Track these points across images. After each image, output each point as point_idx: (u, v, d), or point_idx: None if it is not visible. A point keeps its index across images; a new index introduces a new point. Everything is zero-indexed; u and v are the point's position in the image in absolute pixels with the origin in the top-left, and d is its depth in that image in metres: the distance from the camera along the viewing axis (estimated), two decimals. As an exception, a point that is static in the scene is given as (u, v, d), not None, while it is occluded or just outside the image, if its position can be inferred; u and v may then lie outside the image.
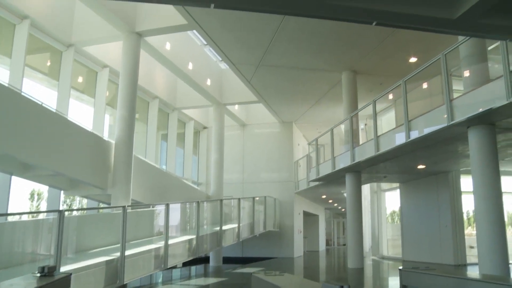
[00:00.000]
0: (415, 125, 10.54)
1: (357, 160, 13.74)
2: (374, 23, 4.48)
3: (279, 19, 12.01)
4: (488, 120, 8.78)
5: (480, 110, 8.35)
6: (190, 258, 11.91)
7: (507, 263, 8.48)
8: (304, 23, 12.39)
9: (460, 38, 9.50)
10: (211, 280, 14.10)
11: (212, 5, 3.99)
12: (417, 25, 4.53)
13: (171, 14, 12.43)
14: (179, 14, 11.79)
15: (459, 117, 8.86)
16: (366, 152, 13.28)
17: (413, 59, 15.03)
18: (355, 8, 4.06)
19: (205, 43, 18.03)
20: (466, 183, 16.64)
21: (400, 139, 11.12)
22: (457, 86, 16.20)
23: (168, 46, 14.90)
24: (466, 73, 9.44)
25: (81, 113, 14.92)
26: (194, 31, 16.22)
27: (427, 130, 9.95)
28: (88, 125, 13.67)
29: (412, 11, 4.24)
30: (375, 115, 13.10)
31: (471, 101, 8.71)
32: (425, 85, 16.27)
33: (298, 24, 12.43)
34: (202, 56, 18.50)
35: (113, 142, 12.61)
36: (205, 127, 24.26)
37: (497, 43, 11.15)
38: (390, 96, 17.47)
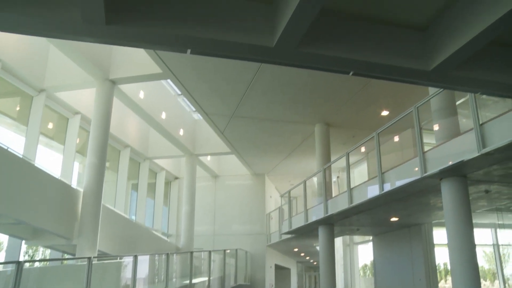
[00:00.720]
0: (389, 177, 10.57)
1: (330, 212, 13.63)
2: (351, 73, 4.51)
3: (254, 70, 12.13)
4: (460, 172, 8.85)
5: (451, 163, 8.42)
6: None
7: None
8: (279, 75, 12.53)
9: (431, 91, 9.73)
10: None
11: (189, 51, 3.96)
12: (393, 76, 4.57)
13: (145, 62, 12.44)
14: (153, 63, 11.80)
15: (432, 170, 8.91)
16: (339, 204, 13.20)
17: (385, 113, 15.31)
18: (332, 57, 4.07)
19: (179, 92, 18.07)
20: (439, 235, 16.66)
21: (373, 191, 11.11)
22: (428, 140, 16.51)
23: (141, 94, 14.85)
24: (437, 126, 9.58)
25: (49, 160, 14.53)
26: (168, 80, 16.29)
27: (400, 183, 9.97)
28: (56, 172, 13.28)
29: (389, 62, 4.28)
30: (348, 167, 13.13)
31: (443, 153, 8.80)
32: (396, 138, 16.56)
33: (273, 75, 12.57)
34: (176, 106, 18.50)
35: (81, 190, 12.24)
36: (176, 178, 23.92)
37: (466, 97, 11.48)
38: (363, 149, 17.67)
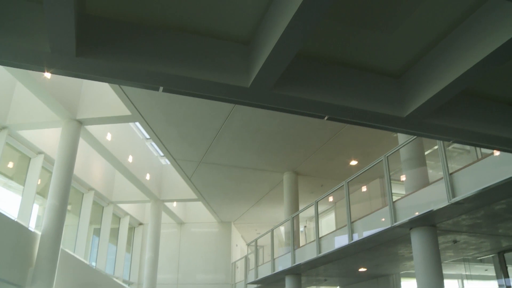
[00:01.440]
0: (358, 227, 10.49)
1: (297, 262, 13.37)
2: (326, 117, 4.46)
3: (224, 116, 12.10)
4: (429, 222, 8.86)
5: (420, 212, 8.43)
6: None
7: None
8: (249, 122, 12.53)
9: (401, 141, 9.84)
10: None
11: (161, 89, 3.84)
12: (368, 121, 4.52)
13: (115, 103, 12.28)
14: (123, 105, 11.64)
15: (402, 219, 8.89)
16: (307, 254, 12.98)
17: (353, 162, 15.41)
18: (306, 100, 4.01)
19: (147, 136, 17.85)
20: (407, 286, 16.50)
21: (342, 241, 10.98)
22: (396, 190, 16.64)
23: (109, 136, 14.57)
24: (406, 176, 9.64)
25: (6, 200, 13.85)
26: (137, 123, 16.09)
27: (370, 232, 9.90)
28: (13, 213, 12.66)
29: (364, 107, 4.24)
30: (317, 216, 13.02)
31: (412, 203, 8.82)
32: (364, 188, 16.65)
33: (243, 122, 12.55)
34: (143, 150, 18.21)
35: (39, 233, 11.66)
36: (140, 223, 23.27)
37: (434, 148, 11.68)
38: (331, 199, 17.70)
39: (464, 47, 3.90)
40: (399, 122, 4.49)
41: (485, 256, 13.46)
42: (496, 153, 7.51)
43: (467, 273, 14.22)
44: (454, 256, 12.55)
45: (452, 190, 7.69)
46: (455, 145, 14.14)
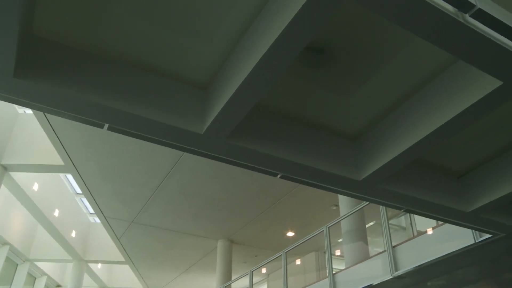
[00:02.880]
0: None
1: (227, 335, 12.61)
2: (279, 175, 4.26)
3: (163, 175, 11.64)
4: (368, 298, 8.59)
5: (360, 287, 8.20)
6: None
7: None
8: (187, 185, 12.10)
9: (342, 213, 9.74)
10: None
11: (106, 126, 3.50)
12: (323, 182, 4.38)
13: (47, 151, 11.53)
14: (55, 153, 10.93)
15: (340, 293, 8.60)
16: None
17: (290, 234, 15.15)
18: (261, 154, 3.80)
19: (78, 191, 16.90)
20: None
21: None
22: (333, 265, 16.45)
23: (35, 186, 13.57)
24: (347, 249, 9.46)
25: None
26: (68, 175, 15.24)
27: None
28: None
29: (320, 167, 4.09)
30: (251, 286, 12.46)
31: (353, 276, 8.59)
32: (298, 261, 16.34)
33: (181, 184, 12.12)
34: (72, 205, 17.13)
35: None
36: (58, 286, 21.47)
37: (371, 223, 11.71)
38: (264, 270, 17.18)
39: (420, 115, 3.91)
40: (354, 185, 4.38)
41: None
42: (430, 231, 7.54)
43: None
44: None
45: (394, 263, 7.54)
46: (391, 221, 14.31)
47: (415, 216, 14.03)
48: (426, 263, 7.05)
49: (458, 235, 6.68)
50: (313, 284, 9.82)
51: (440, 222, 9.78)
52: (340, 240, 10.00)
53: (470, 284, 8.63)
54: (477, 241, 6.35)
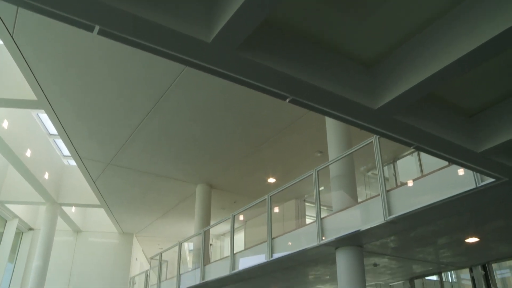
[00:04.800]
0: (278, 244, 9.85)
1: (207, 279, 12.44)
2: (288, 99, 3.80)
3: (143, 114, 11.07)
4: (357, 242, 8.47)
5: (348, 231, 8.02)
6: None
7: None
8: (169, 125, 11.59)
9: (331, 157, 9.43)
10: None
11: (97, 28, 2.92)
12: (336, 109, 3.96)
13: (18, 84, 10.74)
14: (28, 87, 10.19)
15: (329, 237, 8.40)
16: (218, 271, 12.13)
17: (271, 180, 14.90)
18: (270, 70, 3.32)
19: (51, 132, 16.18)
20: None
21: (260, 258, 10.28)
22: (309, 213, 16.41)
23: (5, 124, 12.77)
24: (335, 194, 9.20)
25: None
26: (41, 115, 14.51)
27: (292, 250, 9.28)
28: None
29: (333, 90, 3.65)
30: (233, 230, 12.27)
31: (341, 221, 8.39)
32: (276, 209, 16.19)
33: (162, 124, 11.60)
34: (45, 146, 16.36)
35: None
36: (31, 229, 20.98)
37: (361, 169, 11.48)
38: (241, 217, 17.03)
39: (441, 44, 3.53)
40: (369, 114, 4.01)
41: (396, 282, 13.46)
42: (410, 183, 7.34)
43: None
44: (369, 281, 12.37)
45: (388, 208, 7.32)
46: (375, 171, 14.19)
47: (399, 166, 13.98)
48: (422, 207, 6.84)
49: (456, 180, 6.48)
50: (299, 228, 9.58)
51: (425, 172, 9.65)
52: (322, 188, 9.73)
53: (460, 231, 8.57)
54: (478, 186, 6.14)
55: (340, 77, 3.77)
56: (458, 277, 13.09)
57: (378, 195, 7.59)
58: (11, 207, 18.39)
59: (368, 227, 7.67)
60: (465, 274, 12.54)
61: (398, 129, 4.34)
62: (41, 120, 15.32)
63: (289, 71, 3.39)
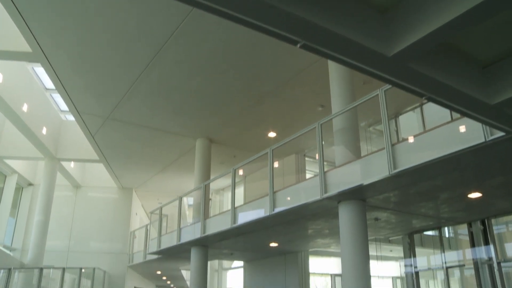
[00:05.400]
0: (280, 197, 9.82)
1: (207, 233, 12.52)
2: (299, 45, 3.60)
3: (140, 69, 10.82)
4: (360, 196, 8.43)
5: (352, 185, 7.96)
6: None
7: None
8: (167, 78, 11.35)
9: (334, 111, 9.28)
10: None
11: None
12: (350, 55, 3.78)
13: (12, 35, 10.38)
14: (23, 39, 9.86)
15: (332, 191, 8.35)
16: (218, 225, 12.18)
17: (272, 134, 14.77)
18: (281, 10, 3.10)
19: (48, 87, 15.90)
20: (314, 264, 16.42)
21: (261, 212, 10.29)
22: (310, 168, 16.38)
23: (0, 77, 12.49)
24: (338, 148, 9.09)
25: None
26: (37, 69, 14.21)
27: (294, 203, 9.26)
28: None
29: (347, 35, 3.46)
30: (233, 184, 12.22)
31: (344, 175, 8.31)
32: (276, 164, 16.15)
33: (160, 78, 11.35)
34: (41, 100, 16.09)
35: None
36: (30, 184, 20.99)
37: (362, 124, 11.34)
38: (241, 172, 17.00)
39: None
40: (383, 62, 3.85)
41: (396, 236, 13.59)
42: (414, 138, 7.23)
43: (378, 254, 14.29)
44: (369, 235, 12.44)
45: (393, 162, 7.23)
46: (377, 126, 14.08)
47: (400, 122, 13.85)
48: (428, 161, 6.74)
49: (464, 134, 6.36)
50: (302, 182, 9.54)
51: (427, 127, 9.52)
52: (322, 143, 9.62)
53: (463, 186, 8.54)
54: (487, 140, 6.02)
55: (354, 22, 3.58)
56: (455, 232, 13.24)
57: (383, 148, 7.47)
58: (10, 162, 18.31)
59: (372, 181, 7.59)
60: (462, 229, 12.67)
61: (411, 78, 4.20)
62: (37, 74, 15.00)
63: (301, 13, 3.19)
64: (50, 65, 10.77)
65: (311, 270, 15.94)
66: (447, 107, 5.03)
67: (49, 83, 15.10)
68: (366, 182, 7.72)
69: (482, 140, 6.07)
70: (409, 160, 7.05)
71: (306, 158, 16.58)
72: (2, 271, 10.59)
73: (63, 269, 14.49)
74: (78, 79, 11.65)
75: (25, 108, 14.13)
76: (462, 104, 4.96)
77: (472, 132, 6.20)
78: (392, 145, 7.38)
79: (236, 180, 17.72)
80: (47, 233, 17.78)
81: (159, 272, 23.69)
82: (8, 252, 17.49)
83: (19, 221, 20.36)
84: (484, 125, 5.99)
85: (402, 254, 14.17)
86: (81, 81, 11.76)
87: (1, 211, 18.41)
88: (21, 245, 19.81)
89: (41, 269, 12.64)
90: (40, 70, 14.39)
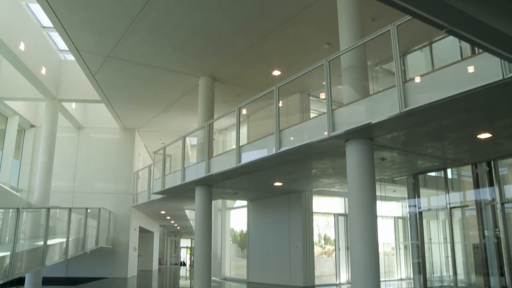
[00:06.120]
0: (286, 136, 9.69)
1: (212, 172, 12.50)
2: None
3: (143, 2, 10.38)
4: (368, 134, 8.29)
5: (359, 124, 7.80)
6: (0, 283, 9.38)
7: (379, 285, 7.96)
8: (170, 14, 10.92)
9: (342, 47, 8.99)
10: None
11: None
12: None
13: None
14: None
15: (339, 129, 8.19)
16: (223, 164, 12.14)
17: (276, 72, 14.46)
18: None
19: (44, 25, 15.42)
20: (318, 203, 16.57)
21: (267, 150, 10.21)
22: (314, 107, 16.19)
23: (-5, 15, 12.02)
24: (346, 86, 8.86)
25: None
26: (33, 5, 13.72)
27: (301, 142, 9.14)
28: None
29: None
30: (238, 123, 12.06)
31: (352, 113, 8.13)
32: (280, 103, 15.93)
33: (163, 13, 10.93)
34: (39, 40, 15.64)
35: None
36: (32, 126, 20.87)
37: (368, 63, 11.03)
38: (244, 111, 16.78)
39: None
40: None
41: (400, 177, 13.60)
42: (417, 79, 6.98)
43: (382, 194, 14.36)
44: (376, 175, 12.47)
45: (404, 99, 7.03)
46: (383, 65, 13.77)
47: (408, 61, 13.50)
48: (441, 99, 6.52)
49: (479, 72, 6.10)
50: (310, 120, 9.39)
51: (435, 67, 9.23)
52: (324, 83, 9.38)
53: (473, 126, 8.38)
54: (505, 77, 5.78)
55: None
56: (459, 174, 13.26)
57: (393, 86, 7.25)
58: (10, 104, 18.08)
59: (382, 119, 7.42)
60: (466, 171, 12.68)
61: (432, 7, 3.93)
62: (32, 12, 14.49)
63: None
64: (47, 1, 10.34)
65: (314, 209, 16.10)
66: (467, 41, 4.76)
67: (46, 21, 14.62)
68: (375, 120, 7.55)
69: (500, 77, 5.84)
70: (420, 98, 6.84)
71: (311, 98, 16.34)
72: (11, 210, 10.63)
73: (70, 209, 14.59)
74: (76, 16, 11.22)
75: (22, 47, 13.74)
76: (484, 37, 4.70)
77: (489, 70, 5.96)
78: (404, 82, 7.15)
79: (240, 119, 17.64)
80: (52, 175, 17.82)
81: (163, 212, 24.03)
82: (15, 192, 17.62)
83: (23, 163, 20.40)
84: (502, 62, 5.74)
85: (405, 195, 14.27)
86: (79, 18, 11.33)
87: (5, 153, 18.39)
88: (27, 186, 19.97)
89: (48, 209, 12.70)
90: (36, 7, 13.88)
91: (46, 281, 17.11)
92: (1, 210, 10.95)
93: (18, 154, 20.17)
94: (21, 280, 16.21)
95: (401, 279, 18.52)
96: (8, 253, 9.67)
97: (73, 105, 20.06)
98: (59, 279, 19.06)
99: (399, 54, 7.41)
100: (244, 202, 19.24)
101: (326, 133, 8.43)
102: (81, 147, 21.45)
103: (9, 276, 9.54)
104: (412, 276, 14.16)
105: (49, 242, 12.14)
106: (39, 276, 16.29)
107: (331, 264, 17.04)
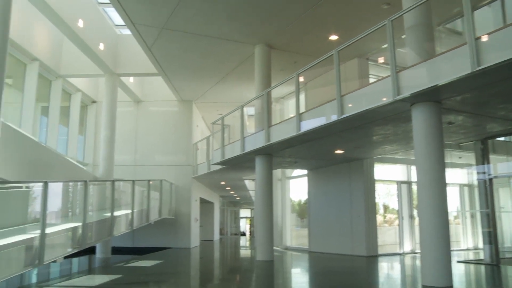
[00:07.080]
0: (348, 101, 9.31)
1: (272, 141, 12.31)
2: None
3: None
4: (436, 97, 7.82)
5: (427, 85, 7.31)
6: (74, 251, 9.69)
7: (449, 255, 7.59)
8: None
9: (405, 6, 8.43)
10: (100, 279, 10.92)
11: None
12: None
13: None
14: None
15: (405, 92, 7.74)
16: (282, 132, 11.92)
17: (333, 37, 13.95)
18: None
19: (100, 1, 15.55)
20: (379, 171, 16.10)
21: (328, 117, 9.87)
22: (373, 72, 15.53)
23: (52, -8, 12.17)
24: (411, 46, 8.32)
25: None
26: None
27: (364, 107, 8.74)
28: None
29: None
30: (297, 89, 11.74)
31: (418, 74, 7.64)
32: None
33: (215, -19, 10.66)
34: (96, 16, 15.85)
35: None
36: (94, 101, 21.41)
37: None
38: (301, 79, 16.37)
39: None
40: None
41: (467, 142, 12.89)
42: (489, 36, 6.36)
43: (447, 161, 13.69)
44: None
45: (477, 57, 6.47)
46: (445, 24, 12.92)
47: (475, 18, 12.55)
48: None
49: None
50: (372, 84, 8.93)
51: (507, 22, 8.44)
52: (384, 46, 8.82)
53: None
54: None
55: None
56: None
57: (464, 44, 6.69)
58: (72, 81, 18.57)
59: (451, 79, 6.89)
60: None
61: None
62: (88, -12, 14.62)
63: None
64: (101, -26, 10.33)
65: (376, 177, 15.65)
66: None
67: (101, -4, 14.76)
68: (443, 81, 7.03)
69: None
70: (494, 56, 6.27)
71: (369, 62, 15.70)
72: (79, 183, 10.99)
73: (133, 181, 14.90)
74: (130, -12, 11.18)
75: (80, 23, 13.94)
76: None
77: None
78: (476, 39, 6.57)
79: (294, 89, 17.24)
80: (114, 148, 18.26)
81: (223, 183, 24.23)
82: (82, 166, 18.22)
83: (87, 138, 21.06)
84: None
85: (471, 161, 13.55)
86: (133, -11, 11.29)
87: (71, 129, 19.00)
88: (91, 160, 20.65)
89: (113, 182, 13.01)
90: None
91: (115, 250, 17.75)
92: (71, 183, 11.27)
93: (82, 130, 20.80)
94: (92, 249, 16.93)
95: (467, 249, 17.82)
96: (80, 224, 9.97)
97: (131, 79, 20.35)
98: (127, 248, 19.74)
99: (470, 8, 6.81)
100: (304, 171, 19.02)
101: (386, 98, 7.98)
102: (141, 120, 21.83)
103: (81, 246, 9.87)
104: (480, 246, 13.53)
105: (116, 213, 12.44)
106: (108, 246, 16.92)
107: (393, 233, 16.61)
